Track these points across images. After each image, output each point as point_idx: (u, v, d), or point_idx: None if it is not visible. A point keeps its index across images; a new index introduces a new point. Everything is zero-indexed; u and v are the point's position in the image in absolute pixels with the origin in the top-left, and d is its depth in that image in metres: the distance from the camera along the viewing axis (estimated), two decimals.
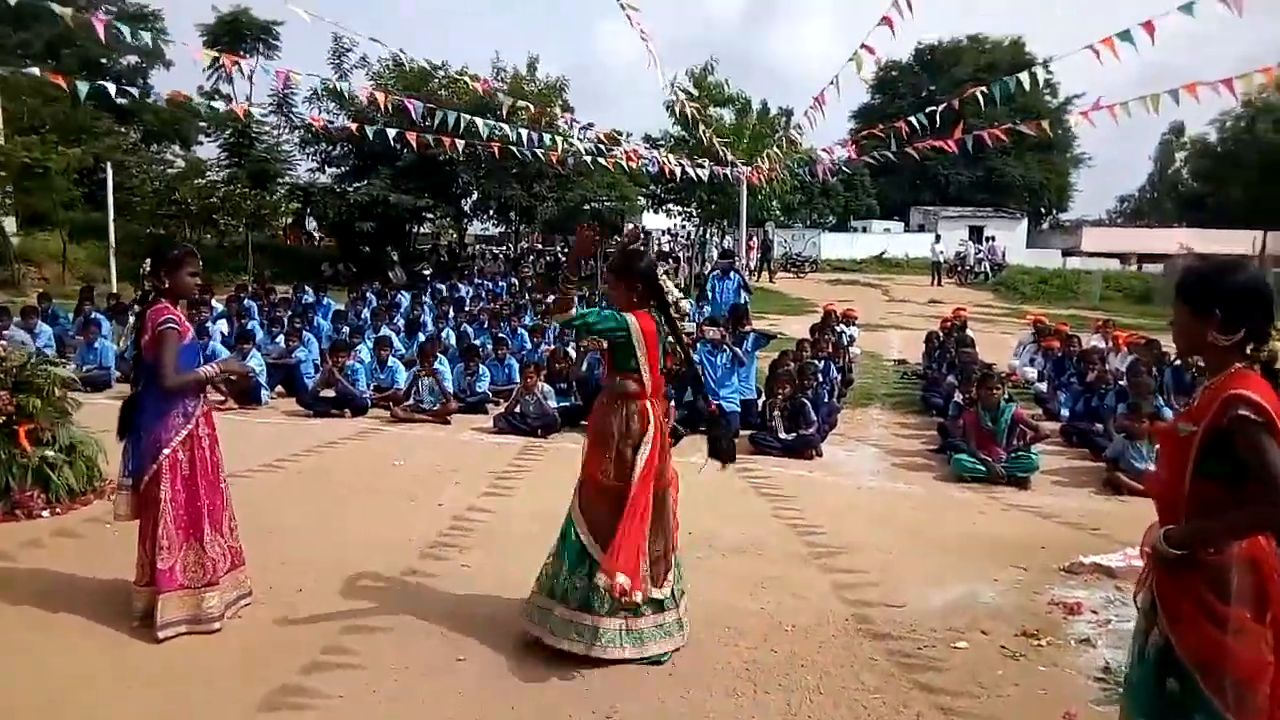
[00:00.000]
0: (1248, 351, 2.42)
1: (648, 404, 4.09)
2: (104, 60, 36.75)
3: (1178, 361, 10.27)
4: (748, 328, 10.08)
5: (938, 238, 36.10)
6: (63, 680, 3.75)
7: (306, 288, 16.50)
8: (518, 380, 9.82)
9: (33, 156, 20.10)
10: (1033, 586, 5.10)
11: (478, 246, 40.40)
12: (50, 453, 5.94)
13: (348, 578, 4.87)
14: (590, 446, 4.12)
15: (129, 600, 4.27)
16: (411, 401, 9.73)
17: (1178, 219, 52.89)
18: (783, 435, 8.33)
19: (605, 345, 4.17)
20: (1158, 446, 7.32)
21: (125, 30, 9.65)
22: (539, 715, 3.59)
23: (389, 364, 10.47)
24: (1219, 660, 2.34)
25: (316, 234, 36.63)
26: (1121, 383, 9.23)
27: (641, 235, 36.84)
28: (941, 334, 13.20)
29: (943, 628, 4.50)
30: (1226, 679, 2.32)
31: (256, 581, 4.57)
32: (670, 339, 4.25)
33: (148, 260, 4.22)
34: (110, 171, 20.28)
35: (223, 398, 9.83)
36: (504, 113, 12.89)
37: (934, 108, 11.56)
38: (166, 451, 4.09)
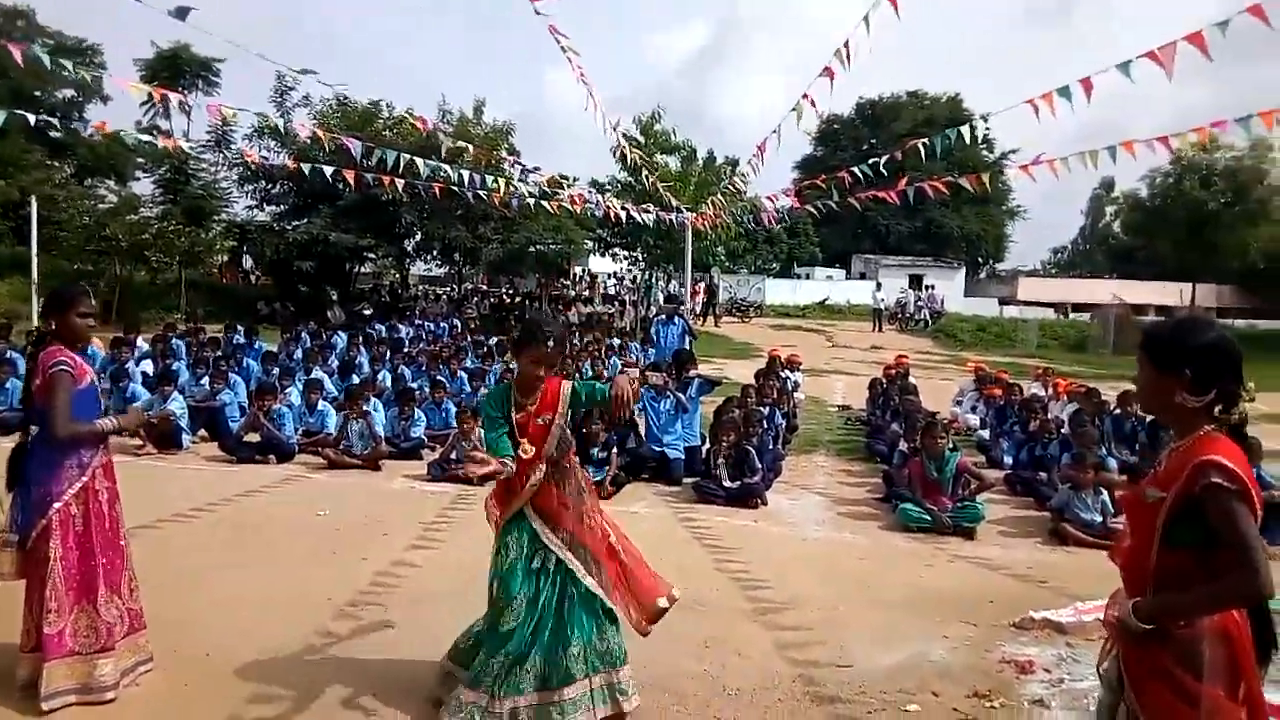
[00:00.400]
0: (1216, 413, 2.28)
1: None
2: (38, 93, 35.84)
3: (1118, 410, 10.36)
4: (692, 373, 9.91)
5: (879, 285, 36.73)
6: None
7: (238, 327, 15.96)
8: (454, 425, 9.49)
9: None
10: (983, 644, 4.93)
11: (421, 287, 39.93)
12: None
13: (259, 640, 4.51)
14: (591, 509, 3.89)
15: (13, 668, 3.87)
16: (344, 446, 9.34)
17: (1109, 270, 54.70)
18: (727, 483, 8.13)
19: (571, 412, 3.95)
20: (1096, 496, 7.30)
21: (45, 58, 9.25)
22: None
23: (319, 408, 10.06)
24: None
25: (253, 273, 35.85)
26: (1064, 431, 9.24)
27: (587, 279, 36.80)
28: (885, 381, 13.19)
29: (892, 689, 4.29)
30: None
31: (160, 643, 4.21)
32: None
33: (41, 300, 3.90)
34: (35, 205, 19.54)
35: (141, 442, 9.38)
36: (443, 152, 12.68)
37: (875, 159, 11.66)
38: (57, 505, 3.74)
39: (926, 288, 40.64)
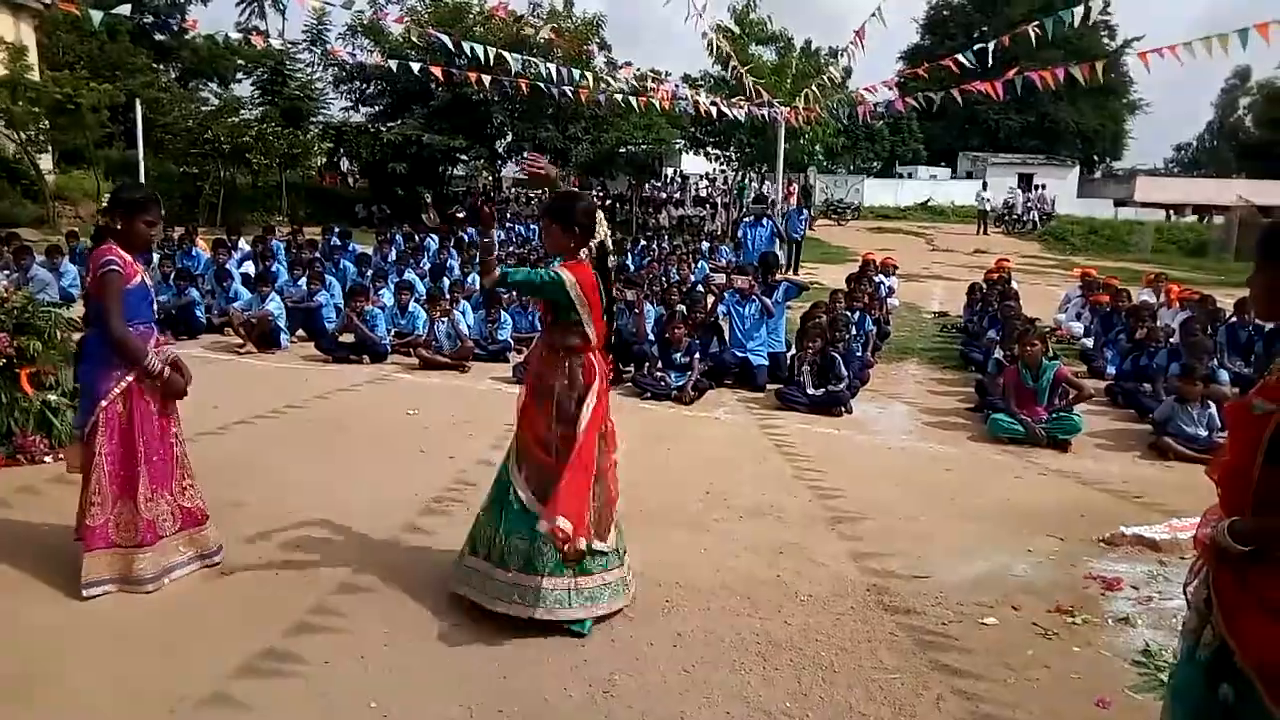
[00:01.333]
0: None
1: (592, 356, 3.88)
2: None
3: (1234, 319, 9.77)
4: (778, 277, 9.70)
5: (985, 185, 35.09)
6: (32, 634, 3.62)
7: (335, 229, 16.30)
8: (539, 327, 9.54)
9: (63, 92, 19.94)
10: (1069, 558, 4.79)
11: (513, 190, 39.96)
12: (53, 397, 5.81)
13: (346, 533, 4.69)
14: (529, 400, 3.91)
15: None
16: (434, 347, 9.53)
17: (1237, 169, 50.96)
18: (810, 391, 8.01)
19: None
20: (1204, 410, 6.92)
21: None
22: (533, 687, 3.38)
23: (410, 309, 10.25)
24: None
25: (351, 174, 36.44)
26: (1173, 341, 8.77)
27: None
28: (985, 285, 12.70)
29: (970, 602, 4.21)
30: None
31: (249, 534, 4.39)
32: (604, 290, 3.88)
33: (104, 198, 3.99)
34: (140, 108, 20.10)
35: (242, 342, 9.76)
36: (518, 33, 12.43)
37: (982, 45, 10.93)
38: (104, 403, 3.86)
39: (1036, 187, 38.56)
